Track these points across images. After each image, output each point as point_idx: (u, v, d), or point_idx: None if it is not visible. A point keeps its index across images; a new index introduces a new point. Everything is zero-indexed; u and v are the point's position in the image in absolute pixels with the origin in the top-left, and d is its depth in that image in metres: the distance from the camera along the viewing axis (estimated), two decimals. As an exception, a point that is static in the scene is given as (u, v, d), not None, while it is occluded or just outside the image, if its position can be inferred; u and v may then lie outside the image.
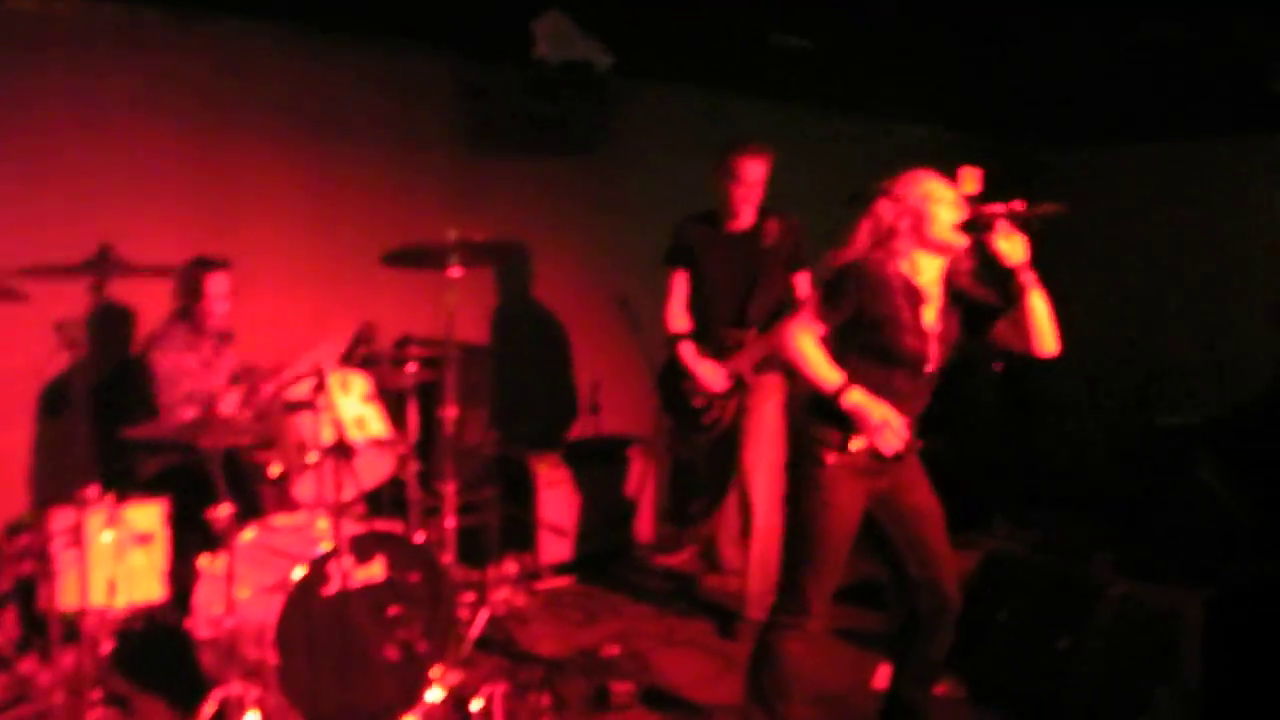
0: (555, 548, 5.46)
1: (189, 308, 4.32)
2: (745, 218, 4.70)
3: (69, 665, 3.60)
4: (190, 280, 4.30)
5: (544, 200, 6.10)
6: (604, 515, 5.71)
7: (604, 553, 5.66)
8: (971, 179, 9.03)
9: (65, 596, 3.52)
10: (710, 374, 4.71)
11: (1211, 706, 3.92)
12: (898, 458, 3.16)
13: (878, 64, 6.25)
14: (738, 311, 4.71)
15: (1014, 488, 6.53)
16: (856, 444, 3.10)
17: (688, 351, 4.76)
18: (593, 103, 6.06)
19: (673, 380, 4.85)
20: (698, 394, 4.76)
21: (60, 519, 3.52)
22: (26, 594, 3.79)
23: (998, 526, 5.87)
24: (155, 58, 4.78)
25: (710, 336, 4.76)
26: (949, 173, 8.77)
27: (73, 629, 3.58)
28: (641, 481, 5.86)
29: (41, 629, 3.64)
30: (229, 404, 3.85)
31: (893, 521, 3.35)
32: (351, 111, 5.36)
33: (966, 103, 7.45)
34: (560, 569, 5.45)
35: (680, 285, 4.85)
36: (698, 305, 4.83)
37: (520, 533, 5.37)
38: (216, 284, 4.31)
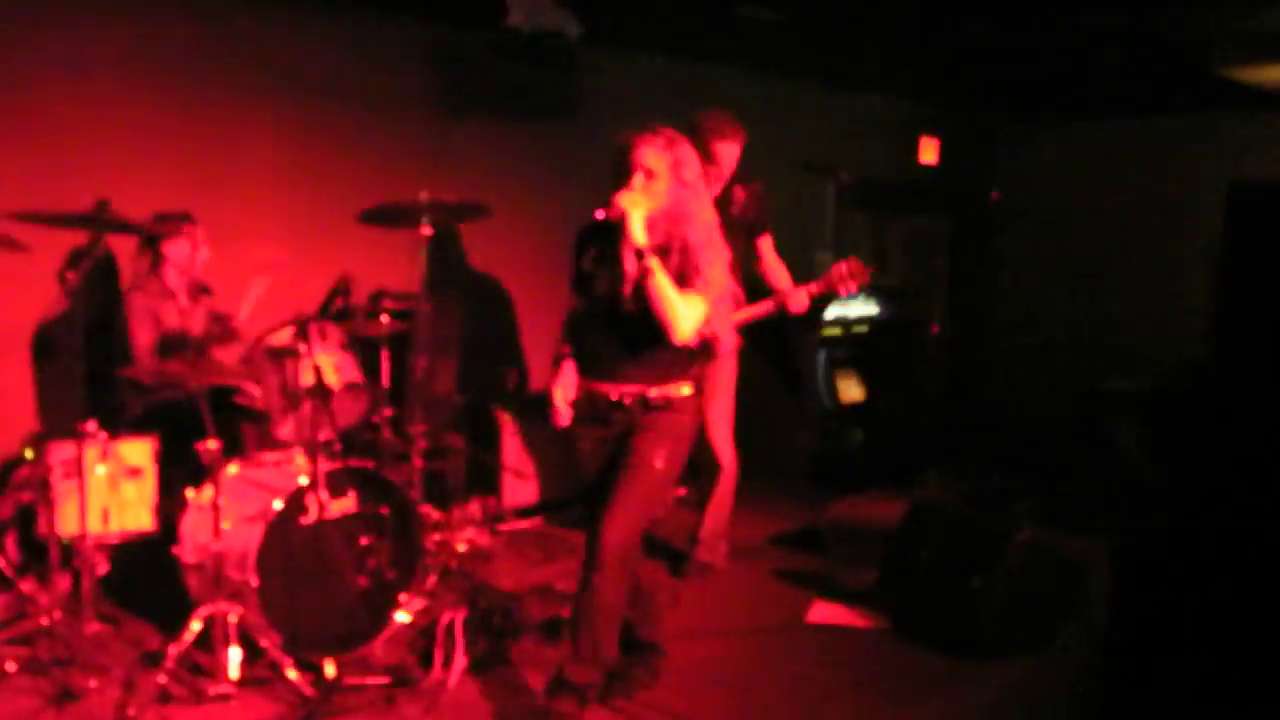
0: (519, 492, 5.79)
1: (155, 264, 4.64)
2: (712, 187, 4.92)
3: (66, 587, 3.93)
4: (149, 244, 4.64)
5: (513, 165, 6.33)
6: (566, 462, 6.00)
7: (566, 498, 5.92)
8: (930, 149, 9.34)
9: (63, 524, 3.83)
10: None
11: (1115, 642, 4.34)
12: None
13: (841, 35, 6.48)
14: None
15: (952, 445, 6.90)
16: None
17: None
18: (562, 71, 6.31)
19: None
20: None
21: (59, 452, 3.83)
22: (26, 521, 4.11)
23: (931, 479, 6.24)
24: (142, 23, 5.01)
25: None
26: (909, 142, 9.09)
27: (69, 554, 3.90)
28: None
29: (40, 554, 3.95)
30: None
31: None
32: (329, 75, 5.60)
33: (926, 74, 7.71)
34: (523, 512, 5.78)
35: None
36: None
37: (486, 477, 5.71)
38: (175, 249, 4.64)
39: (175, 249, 4.63)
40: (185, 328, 4.62)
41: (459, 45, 6.07)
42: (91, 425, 3.77)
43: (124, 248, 4.75)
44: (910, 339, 7.86)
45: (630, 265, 3.29)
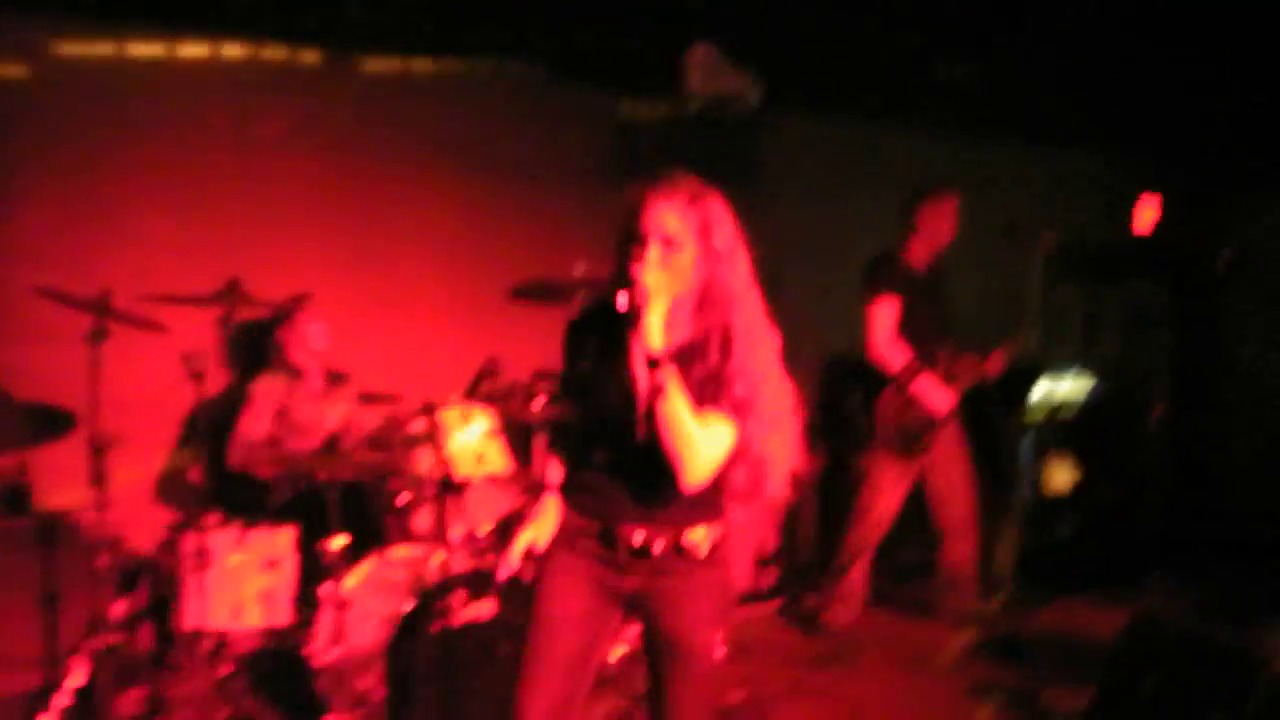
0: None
1: (280, 351, 4.48)
2: (927, 258, 5.03)
3: (198, 683, 3.72)
4: (274, 326, 4.47)
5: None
6: (740, 553, 5.57)
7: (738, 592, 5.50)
8: (1149, 210, 8.58)
9: (194, 617, 3.63)
10: (942, 399, 4.90)
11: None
12: None
13: (1041, 91, 6.00)
14: (936, 349, 4.94)
15: (1180, 541, 6.11)
16: None
17: (923, 379, 4.90)
18: (742, 137, 6.00)
19: (889, 405, 4.96)
20: (921, 418, 4.92)
21: (189, 543, 3.65)
22: (162, 612, 3.95)
23: (1156, 584, 5.49)
24: (309, 97, 4.97)
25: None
26: (1123, 203, 8.36)
27: (199, 649, 3.70)
28: (781, 520, 5.71)
29: (174, 646, 3.77)
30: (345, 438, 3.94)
31: None
32: (494, 146, 5.43)
33: (1136, 132, 7.08)
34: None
35: (893, 316, 4.92)
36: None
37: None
38: (297, 330, 4.45)
39: (298, 331, 4.45)
40: (316, 416, 4.43)
41: (634, 112, 5.83)
42: (215, 516, 3.57)
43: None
44: (1128, 419, 7.11)
45: (641, 375, 2.35)
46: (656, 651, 2.55)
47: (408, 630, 3.43)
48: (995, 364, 5.01)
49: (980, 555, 5.25)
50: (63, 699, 3.55)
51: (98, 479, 3.61)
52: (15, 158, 4.41)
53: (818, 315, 6.65)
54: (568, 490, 2.62)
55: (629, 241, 2.41)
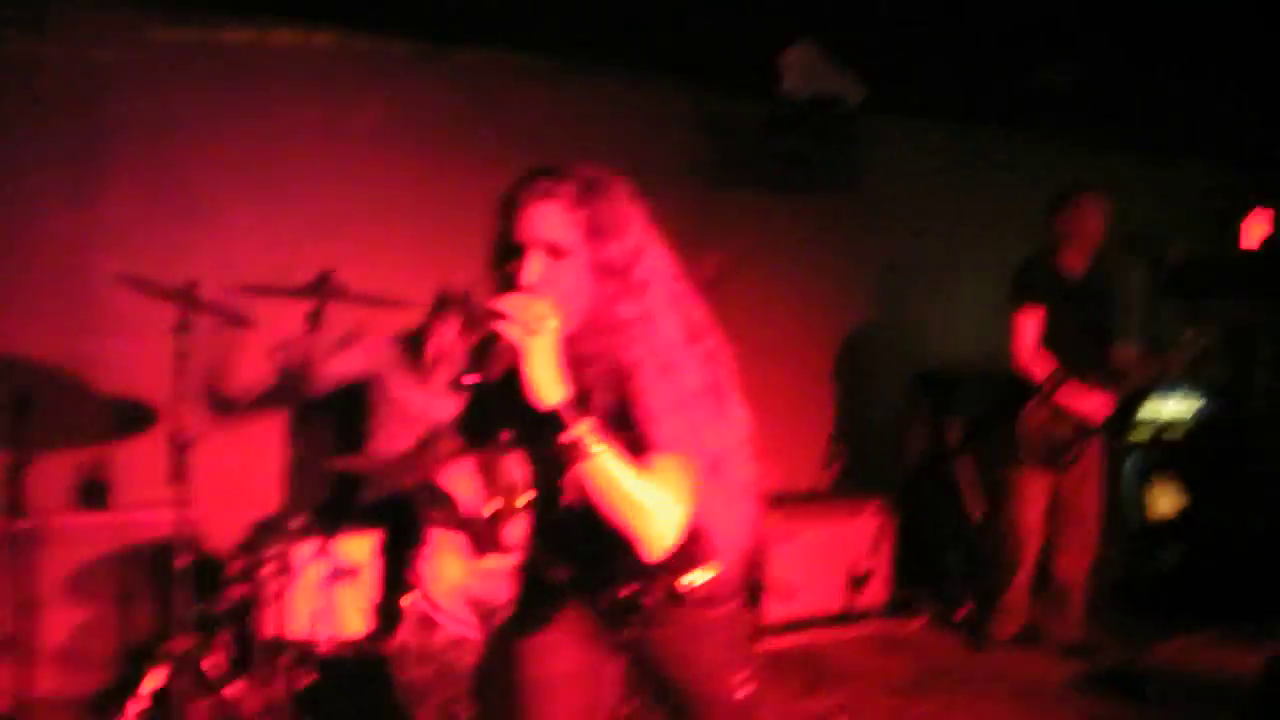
0: (780, 604, 5.13)
1: (419, 340, 4.28)
2: (1082, 264, 4.87)
3: (274, 693, 3.56)
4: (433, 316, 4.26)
5: (784, 240, 5.85)
6: (834, 573, 5.35)
7: (832, 614, 5.32)
8: (1260, 224, 8.19)
9: (273, 624, 3.47)
10: (1095, 407, 4.77)
11: None
12: None
13: (1151, 100, 5.71)
14: (1092, 356, 4.83)
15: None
16: None
17: (1069, 389, 4.75)
18: (840, 140, 5.77)
19: (1034, 417, 4.81)
20: (1067, 429, 4.79)
21: (271, 548, 3.49)
22: (242, 617, 3.79)
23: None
24: (400, 88, 4.83)
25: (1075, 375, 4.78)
26: (1233, 216, 7.98)
27: (278, 657, 3.54)
28: (878, 539, 5.46)
29: (253, 653, 3.62)
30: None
31: None
32: (590, 142, 5.23)
33: (1247, 145, 6.75)
34: (783, 629, 5.13)
35: (1036, 326, 4.79)
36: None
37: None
38: (442, 329, 4.24)
39: (442, 329, 4.24)
40: (428, 411, 4.23)
41: (729, 113, 5.62)
42: (300, 520, 3.40)
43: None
44: (1237, 442, 6.75)
45: (551, 438, 1.80)
46: (675, 704, 2.18)
47: (499, 645, 3.23)
48: (1175, 362, 4.94)
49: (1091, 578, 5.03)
50: (138, 703, 3.41)
51: (178, 475, 3.46)
52: (103, 145, 4.30)
53: (917, 323, 6.42)
54: (536, 538, 2.18)
55: (502, 257, 1.92)
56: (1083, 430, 4.80)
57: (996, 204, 6.33)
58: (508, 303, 1.79)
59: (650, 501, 1.83)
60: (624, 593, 2.03)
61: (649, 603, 2.04)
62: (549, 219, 1.87)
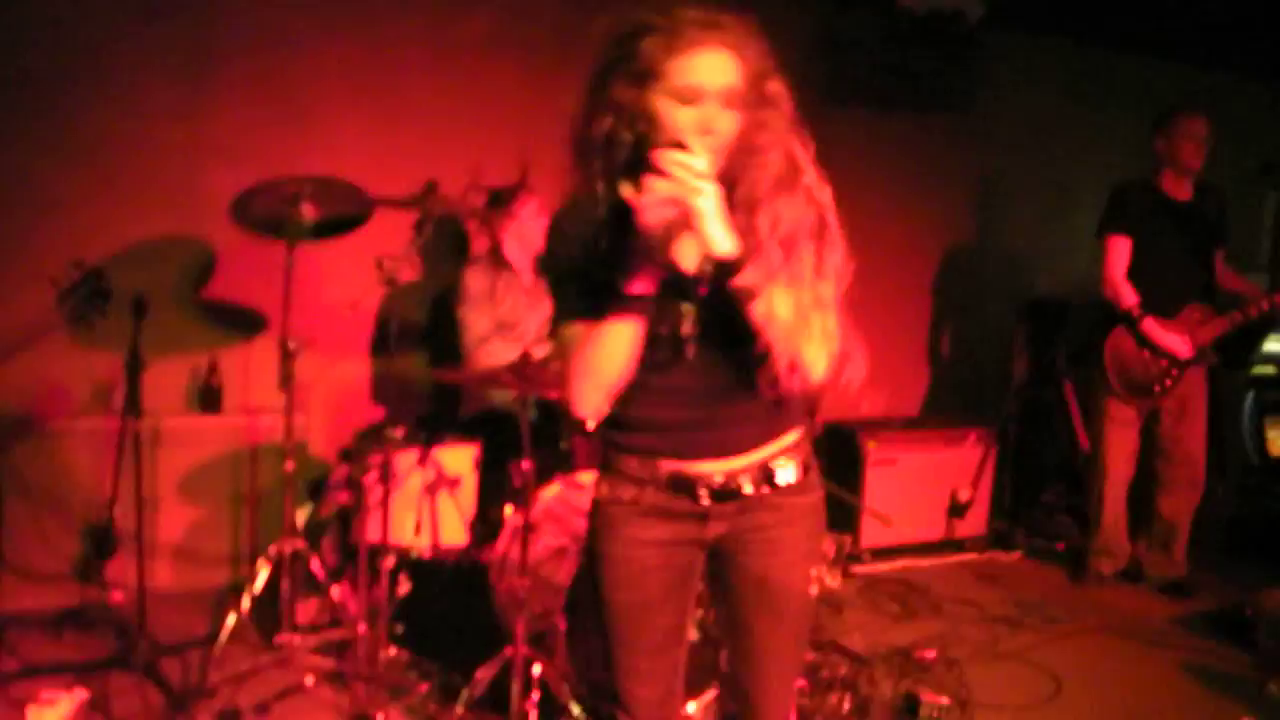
0: (879, 530, 5.10)
1: (493, 238, 4.25)
2: (1186, 187, 4.66)
3: (374, 599, 3.64)
4: (487, 216, 4.21)
5: (897, 160, 5.70)
6: (934, 502, 5.30)
7: (931, 542, 5.29)
8: None
9: (374, 531, 3.55)
10: (1178, 343, 4.59)
11: None
12: None
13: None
14: (1191, 285, 4.67)
15: None
16: None
17: (1151, 325, 4.60)
18: (959, 57, 5.59)
19: (1118, 346, 4.69)
20: (1152, 361, 4.64)
21: (373, 456, 3.55)
22: (345, 524, 3.89)
23: None
24: (506, 2, 4.78)
25: (1163, 308, 4.64)
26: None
27: (378, 564, 3.62)
28: (979, 469, 5.37)
29: (355, 559, 3.71)
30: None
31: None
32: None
33: None
34: (882, 553, 5.11)
35: (1124, 253, 4.63)
36: (1137, 275, 4.64)
37: (843, 510, 5.04)
38: (514, 219, 4.15)
39: (514, 220, 4.16)
40: (524, 314, 4.20)
41: (844, 25, 5.44)
42: (400, 430, 3.44)
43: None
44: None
45: (697, 278, 1.77)
46: (742, 594, 2.09)
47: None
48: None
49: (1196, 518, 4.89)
50: (248, 599, 3.52)
51: (286, 381, 3.52)
52: (209, 55, 4.35)
53: (1028, 249, 6.23)
54: (613, 432, 2.07)
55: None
56: (1176, 362, 4.61)
57: (1116, 128, 6.07)
58: (676, 162, 1.71)
59: (818, 320, 1.85)
60: (720, 480, 1.98)
61: (744, 489, 2.00)
62: (725, 66, 1.80)
